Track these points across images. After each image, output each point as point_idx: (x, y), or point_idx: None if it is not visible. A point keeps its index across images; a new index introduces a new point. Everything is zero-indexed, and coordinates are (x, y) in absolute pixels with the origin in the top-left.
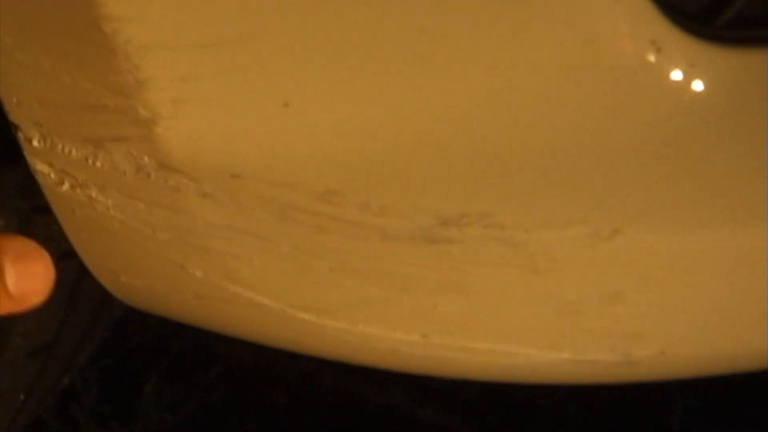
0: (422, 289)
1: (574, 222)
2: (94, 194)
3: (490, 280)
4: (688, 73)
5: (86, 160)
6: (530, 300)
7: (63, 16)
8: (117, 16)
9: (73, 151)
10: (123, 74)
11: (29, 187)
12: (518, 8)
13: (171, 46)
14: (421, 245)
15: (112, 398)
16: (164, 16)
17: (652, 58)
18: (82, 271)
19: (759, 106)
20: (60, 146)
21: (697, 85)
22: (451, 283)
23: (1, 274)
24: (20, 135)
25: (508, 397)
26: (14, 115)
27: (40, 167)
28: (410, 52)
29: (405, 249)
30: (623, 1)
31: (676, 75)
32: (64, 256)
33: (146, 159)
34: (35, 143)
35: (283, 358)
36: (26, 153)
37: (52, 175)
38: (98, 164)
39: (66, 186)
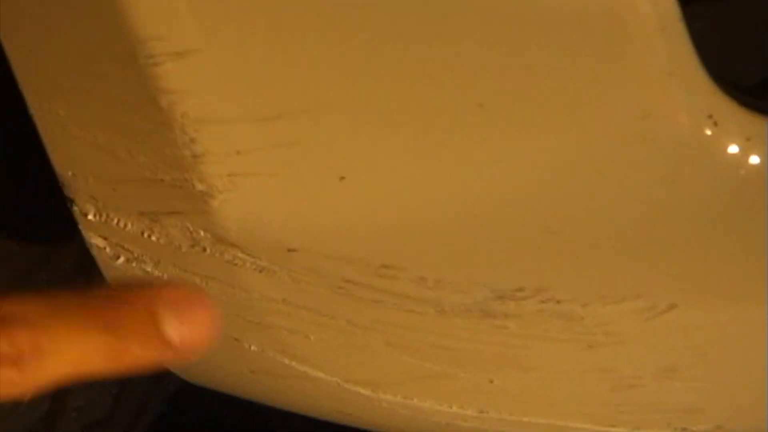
0: (478, 364)
1: (630, 296)
2: (149, 268)
3: (547, 355)
4: (745, 147)
5: (142, 234)
6: (587, 374)
7: (119, 90)
8: (174, 89)
9: (129, 225)
10: (179, 148)
11: (85, 261)
12: (575, 83)
13: (227, 120)
14: (478, 319)
15: None
16: (221, 90)
17: (708, 132)
18: None
19: None
20: (115, 220)
21: (754, 159)
22: (507, 358)
23: (158, 320)
24: (75, 209)
25: None
26: (69, 190)
27: (96, 241)
28: (466, 126)
29: (461, 323)
30: (680, 76)
31: (733, 149)
32: None
33: (202, 233)
34: (91, 217)
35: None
36: (82, 227)
37: (108, 249)
38: (154, 238)
39: (122, 260)
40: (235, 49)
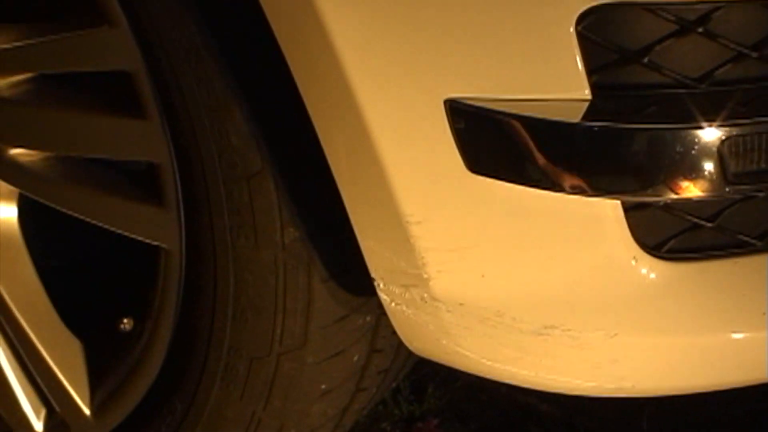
0: None
1: None
2: (403, 308)
3: None
4: (650, 271)
5: (402, 295)
6: None
7: (391, 232)
8: (416, 236)
9: (394, 289)
10: (416, 259)
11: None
12: (565, 239)
13: (438, 250)
14: None
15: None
16: (441, 239)
17: (633, 263)
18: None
19: (693, 287)
20: (389, 287)
21: (653, 276)
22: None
23: None
24: (375, 283)
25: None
26: (371, 269)
27: (383, 296)
28: None
29: None
30: (617, 239)
31: (644, 271)
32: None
33: (425, 294)
34: (381, 285)
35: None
36: (378, 292)
37: (387, 299)
38: (407, 296)
39: (393, 304)
40: (444, 222)
